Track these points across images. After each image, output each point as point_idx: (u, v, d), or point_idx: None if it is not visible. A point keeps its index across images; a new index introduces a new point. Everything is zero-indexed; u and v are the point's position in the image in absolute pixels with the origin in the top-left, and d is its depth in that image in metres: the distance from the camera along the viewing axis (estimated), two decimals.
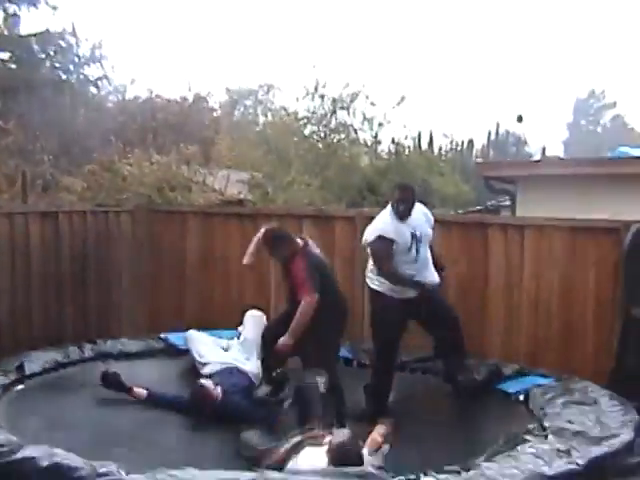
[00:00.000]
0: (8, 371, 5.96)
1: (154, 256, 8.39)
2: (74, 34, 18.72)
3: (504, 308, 6.87)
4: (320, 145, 18.14)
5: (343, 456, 4.07)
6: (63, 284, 7.51)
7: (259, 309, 6.86)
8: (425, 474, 3.84)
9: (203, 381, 5.64)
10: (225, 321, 7.27)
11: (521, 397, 5.69)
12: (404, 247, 5.65)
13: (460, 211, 16.11)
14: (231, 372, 6.01)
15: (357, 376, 6.06)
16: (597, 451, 4.17)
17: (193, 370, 6.41)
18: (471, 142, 36.02)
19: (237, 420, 5.16)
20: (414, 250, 5.68)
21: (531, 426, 4.64)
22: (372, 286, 5.84)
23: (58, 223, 7.49)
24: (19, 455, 3.96)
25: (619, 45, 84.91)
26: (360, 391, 5.76)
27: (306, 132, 18.71)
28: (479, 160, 24.80)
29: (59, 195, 14.13)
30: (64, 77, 19.15)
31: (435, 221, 6.02)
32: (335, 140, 18.37)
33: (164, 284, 8.36)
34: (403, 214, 5.67)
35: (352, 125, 18.44)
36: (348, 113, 18.33)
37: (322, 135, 18.47)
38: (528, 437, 4.37)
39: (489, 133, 39.57)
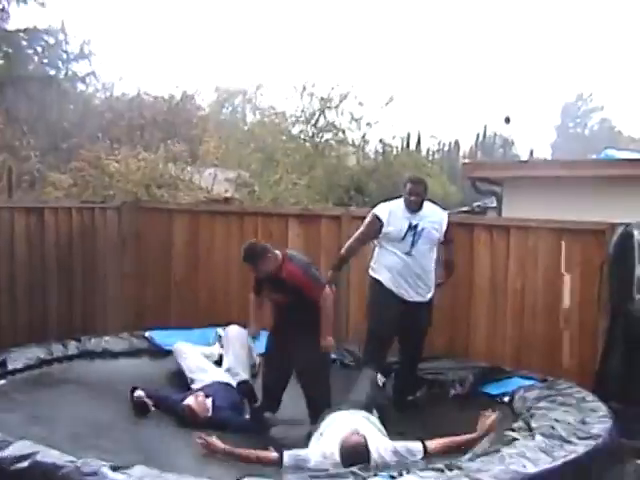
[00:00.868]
0: None
1: (140, 253, 8.35)
2: (63, 30, 18.68)
3: (489, 309, 6.84)
4: (308, 144, 18.10)
5: (353, 456, 4.30)
6: (48, 280, 7.46)
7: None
8: (408, 472, 3.81)
9: (193, 399, 5.54)
10: (210, 319, 7.24)
11: (506, 399, 5.67)
12: (397, 234, 5.84)
13: (447, 212, 16.07)
14: (221, 387, 5.90)
15: (341, 377, 5.98)
16: (580, 452, 4.15)
17: (179, 372, 6.36)
18: (457, 143, 36.16)
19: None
20: (409, 240, 5.83)
21: (516, 426, 4.62)
22: (373, 274, 6.01)
23: (44, 219, 7.44)
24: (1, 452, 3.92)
25: (607, 49, 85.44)
26: (344, 393, 5.67)
27: (294, 131, 18.66)
28: (465, 161, 24.76)
29: (46, 191, 14.08)
30: (52, 73, 19.08)
31: None
32: (323, 140, 18.34)
33: (149, 282, 8.32)
34: (413, 206, 5.88)
35: (340, 125, 18.41)
36: (336, 113, 18.31)
37: (310, 134, 18.43)
38: (513, 437, 4.35)
39: (477, 135, 39.71)
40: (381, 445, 4.50)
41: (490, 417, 4.72)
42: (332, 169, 17.19)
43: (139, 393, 5.59)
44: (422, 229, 5.86)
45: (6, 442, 4.02)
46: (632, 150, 12.69)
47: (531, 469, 3.87)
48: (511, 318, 6.74)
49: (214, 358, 6.56)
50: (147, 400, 5.56)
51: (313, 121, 18.37)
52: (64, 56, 19.13)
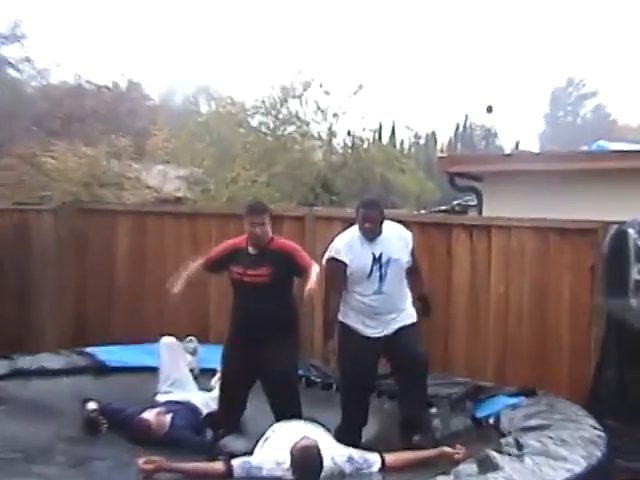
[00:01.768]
0: None
1: (80, 260, 8.28)
2: None
3: (469, 316, 6.87)
4: (269, 138, 18.08)
5: (305, 461, 4.37)
6: None
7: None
8: None
9: (153, 415, 5.52)
10: (157, 331, 7.16)
11: (491, 420, 5.67)
12: (361, 273, 5.44)
13: (423, 211, 16.15)
14: (186, 407, 5.87)
15: (306, 396, 5.89)
16: (571, 472, 4.18)
17: (127, 390, 6.27)
18: (435, 135, 36.32)
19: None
20: (376, 277, 5.44)
21: (502, 448, 4.64)
22: (340, 318, 5.62)
23: None
24: None
25: (599, 29, 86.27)
26: (311, 411, 5.63)
27: (253, 123, 18.63)
28: (441, 154, 24.83)
29: None
30: None
31: (390, 220, 5.74)
32: (285, 132, 18.32)
33: (90, 292, 8.25)
34: (370, 234, 5.46)
35: (304, 116, 18.41)
36: (300, 103, 18.30)
37: (271, 127, 18.41)
38: (499, 459, 4.36)
39: (457, 125, 40.01)
40: (335, 451, 4.58)
41: (456, 453, 4.79)
42: (295, 165, 17.18)
43: (92, 406, 5.59)
44: (388, 259, 5.45)
45: None
46: (628, 141, 12.77)
47: None
48: (494, 325, 6.76)
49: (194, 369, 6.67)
50: (100, 419, 5.55)
51: (274, 112, 18.34)
52: None
